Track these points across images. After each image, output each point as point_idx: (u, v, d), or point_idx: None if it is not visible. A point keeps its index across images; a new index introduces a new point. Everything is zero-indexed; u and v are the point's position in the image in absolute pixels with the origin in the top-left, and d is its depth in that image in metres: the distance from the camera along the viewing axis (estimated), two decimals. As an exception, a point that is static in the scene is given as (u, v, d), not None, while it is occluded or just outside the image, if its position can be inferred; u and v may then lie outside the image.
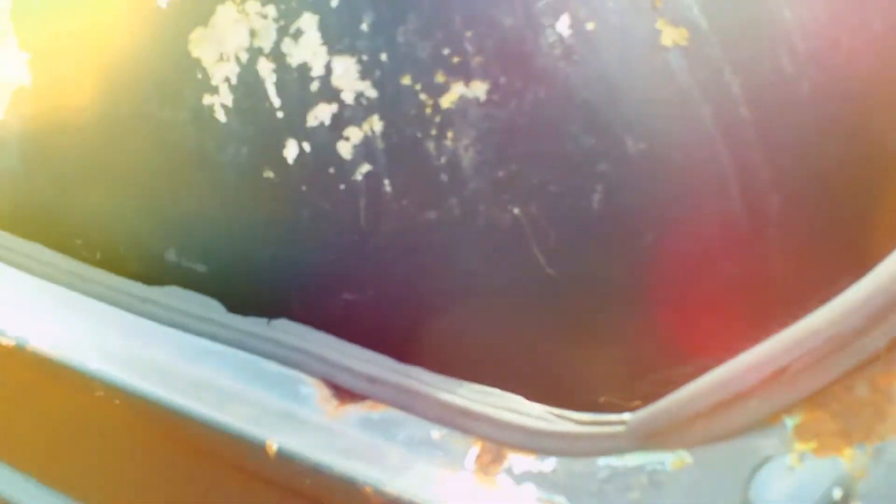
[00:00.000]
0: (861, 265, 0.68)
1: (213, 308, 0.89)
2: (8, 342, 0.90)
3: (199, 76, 0.88)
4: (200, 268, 0.89)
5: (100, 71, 0.93)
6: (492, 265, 0.79)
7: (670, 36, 0.74)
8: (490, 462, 0.70)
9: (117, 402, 0.83)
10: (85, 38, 0.95)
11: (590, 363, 0.76)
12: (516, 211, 0.78)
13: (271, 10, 0.83)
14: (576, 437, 0.70)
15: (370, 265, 0.82)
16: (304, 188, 0.84)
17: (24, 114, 1.00)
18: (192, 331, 0.88)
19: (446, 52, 0.79)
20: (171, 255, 0.91)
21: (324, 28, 0.82)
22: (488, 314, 0.80)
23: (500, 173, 0.78)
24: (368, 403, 0.77)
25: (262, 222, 0.85)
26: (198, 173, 0.88)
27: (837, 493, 0.63)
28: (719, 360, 0.68)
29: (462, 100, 0.79)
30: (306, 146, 0.84)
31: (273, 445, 0.73)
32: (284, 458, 0.73)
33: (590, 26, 0.75)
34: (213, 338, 0.87)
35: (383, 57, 0.81)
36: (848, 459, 0.64)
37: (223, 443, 0.77)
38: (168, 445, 0.84)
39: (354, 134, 0.83)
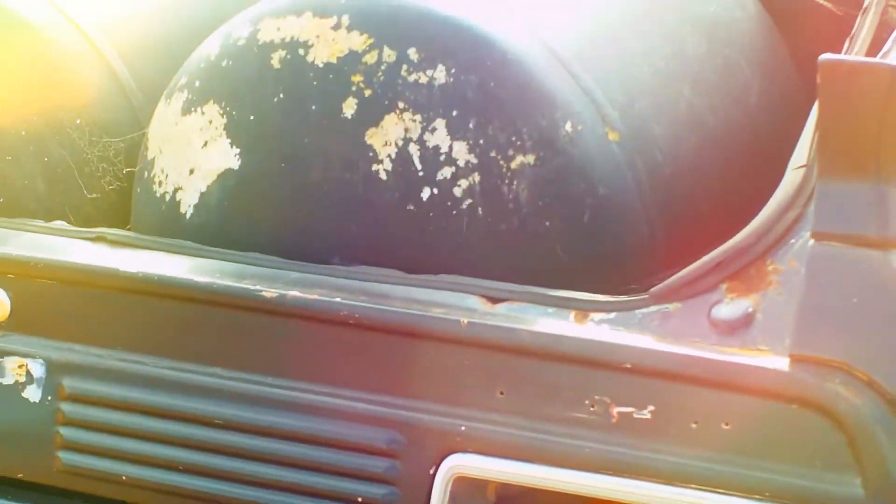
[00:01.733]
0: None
1: None
2: None
3: (370, 154, 1.42)
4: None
5: (294, 155, 1.46)
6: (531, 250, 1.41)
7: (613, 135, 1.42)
8: (581, 318, 1.29)
9: None
10: (284, 139, 1.47)
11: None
12: (547, 223, 1.38)
13: (418, 117, 1.41)
14: (624, 301, 1.30)
15: (464, 252, 1.41)
16: (430, 215, 1.41)
17: (230, 192, 1.49)
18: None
19: (513, 138, 1.40)
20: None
21: (448, 126, 1.40)
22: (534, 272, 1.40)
23: (540, 203, 1.39)
24: (507, 302, 1.33)
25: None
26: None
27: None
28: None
29: (521, 164, 1.39)
30: (435, 190, 1.41)
31: (464, 321, 1.30)
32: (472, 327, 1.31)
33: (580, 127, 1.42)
34: None
35: (481, 141, 1.39)
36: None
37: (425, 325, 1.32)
38: None
39: (463, 183, 1.40)
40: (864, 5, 1.74)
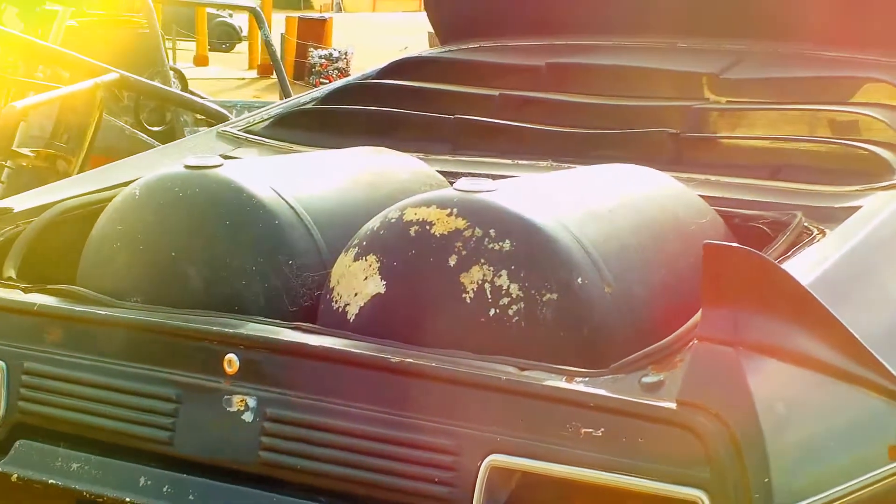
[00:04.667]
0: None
1: None
2: None
3: (461, 288, 2.39)
4: None
5: (418, 287, 2.43)
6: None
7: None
8: (570, 379, 2.26)
9: None
10: (411, 278, 2.44)
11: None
12: (561, 334, 2.28)
13: (492, 268, 2.41)
14: (595, 372, 2.22)
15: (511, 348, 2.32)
16: (493, 324, 2.41)
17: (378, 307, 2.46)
18: None
19: (546, 283, 2.36)
20: None
21: (508, 275, 2.41)
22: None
23: (558, 321, 2.33)
24: (530, 370, 2.31)
25: None
26: None
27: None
28: None
29: (548, 298, 2.36)
30: (497, 311, 2.40)
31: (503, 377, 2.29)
32: None
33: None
34: None
35: (526, 284, 2.36)
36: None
37: None
38: None
39: (514, 307, 2.34)
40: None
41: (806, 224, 2.63)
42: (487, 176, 2.69)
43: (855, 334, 2.22)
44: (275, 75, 9.43)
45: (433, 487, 2.28)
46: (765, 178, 2.89)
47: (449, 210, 2.45)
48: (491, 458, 2.23)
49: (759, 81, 3.18)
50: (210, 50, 23.97)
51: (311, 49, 21.35)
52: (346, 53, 21.36)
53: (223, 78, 20.71)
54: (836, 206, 2.67)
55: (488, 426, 2.25)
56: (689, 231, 2.59)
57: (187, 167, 2.75)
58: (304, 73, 21.07)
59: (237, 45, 28.43)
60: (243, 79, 21.63)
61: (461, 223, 2.43)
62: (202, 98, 7.08)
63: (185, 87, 7.82)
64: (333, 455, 2.34)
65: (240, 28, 28.75)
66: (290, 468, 2.38)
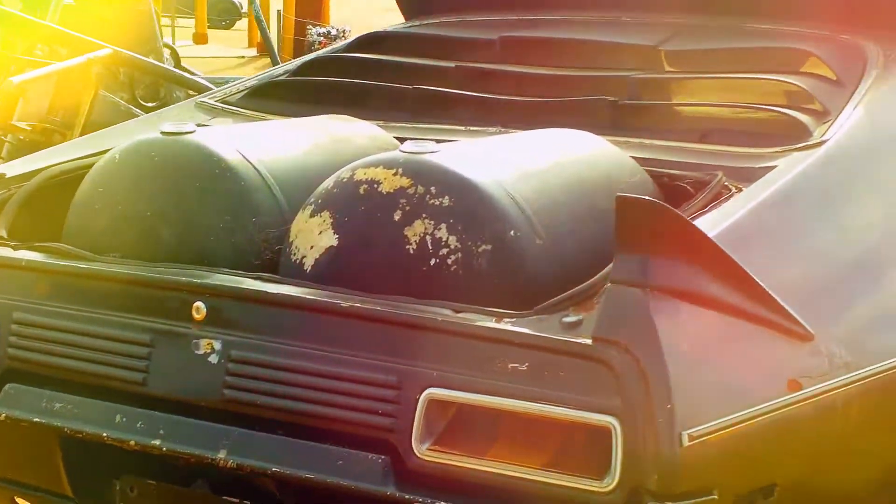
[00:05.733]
0: None
1: None
2: None
3: (405, 240, 2.65)
4: None
5: (367, 237, 2.72)
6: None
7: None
8: (499, 320, 2.52)
9: None
10: (363, 229, 2.72)
11: None
12: (496, 281, 2.56)
13: (433, 222, 2.69)
14: (521, 313, 2.50)
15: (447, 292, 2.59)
16: (433, 273, 2.68)
17: (333, 270, 2.72)
18: None
19: (482, 236, 2.62)
20: None
21: (448, 228, 2.70)
22: None
23: (492, 269, 2.60)
24: (465, 312, 2.60)
25: None
26: None
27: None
28: None
29: (483, 249, 2.61)
30: (437, 261, 2.67)
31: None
32: None
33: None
34: None
35: (464, 237, 2.63)
36: None
37: None
38: None
39: (452, 257, 2.61)
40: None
41: (726, 183, 2.86)
42: (439, 141, 2.93)
43: (756, 279, 2.47)
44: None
45: (378, 419, 2.53)
46: (694, 142, 3.12)
47: (395, 170, 2.70)
48: (428, 392, 2.49)
49: (695, 52, 3.41)
50: (210, 27, 24.14)
51: (310, 27, 21.54)
52: (343, 31, 21.54)
53: (222, 56, 20.93)
54: (755, 166, 2.90)
55: (426, 363, 2.50)
56: (619, 189, 2.82)
57: (163, 133, 3.00)
58: (303, 50, 21.25)
59: (237, 22, 28.60)
60: (242, 57, 21.82)
61: (405, 182, 2.68)
62: (193, 74, 7.32)
63: (177, 64, 8.06)
64: (290, 391, 2.60)
65: (240, 4, 28.90)
66: (251, 404, 2.64)
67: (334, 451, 2.56)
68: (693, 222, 2.53)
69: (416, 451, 2.49)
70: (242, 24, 27.04)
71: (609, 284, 2.39)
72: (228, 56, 21.43)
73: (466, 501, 2.48)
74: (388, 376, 2.53)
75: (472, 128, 3.35)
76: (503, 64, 3.59)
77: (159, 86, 7.33)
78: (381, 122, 3.41)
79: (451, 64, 3.60)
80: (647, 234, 2.36)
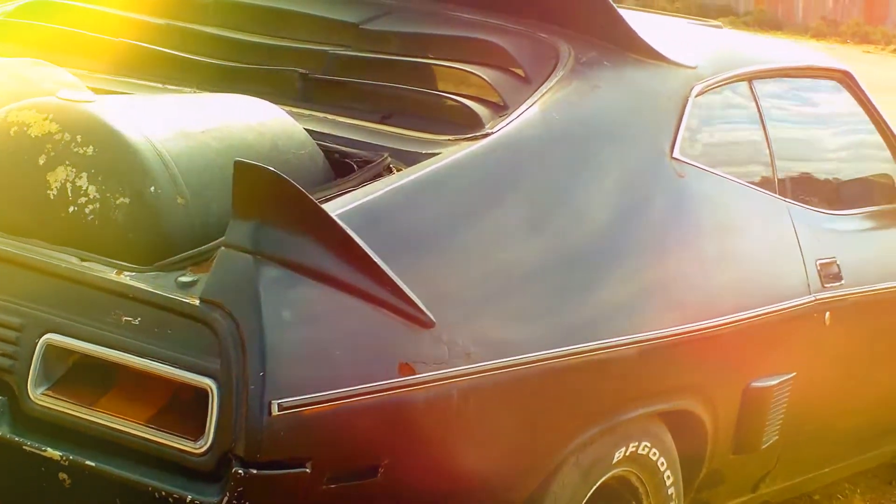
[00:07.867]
0: None
1: None
2: None
3: (47, 185, 2.68)
4: None
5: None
6: None
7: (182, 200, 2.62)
8: (119, 273, 2.55)
9: None
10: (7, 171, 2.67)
11: None
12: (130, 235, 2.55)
13: (75, 170, 2.70)
14: (143, 268, 2.56)
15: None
16: (73, 218, 2.73)
17: None
18: None
19: (121, 188, 2.61)
20: None
21: (88, 177, 2.77)
22: None
23: (128, 221, 2.61)
24: None
25: None
26: None
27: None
28: None
29: (121, 202, 2.64)
30: (76, 208, 2.72)
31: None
32: None
33: None
34: None
35: (103, 187, 2.64)
36: None
37: None
38: None
39: (90, 206, 2.66)
40: None
41: (391, 164, 2.92)
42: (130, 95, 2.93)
43: (378, 259, 2.52)
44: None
45: (1, 359, 2.56)
46: (375, 122, 3.17)
47: (46, 115, 2.70)
48: (47, 337, 2.52)
49: (394, 34, 3.44)
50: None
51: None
52: None
53: None
54: (421, 151, 2.95)
55: (48, 308, 2.53)
56: (284, 160, 2.86)
57: None
58: None
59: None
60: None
61: (54, 127, 2.69)
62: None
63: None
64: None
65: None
66: None
67: None
68: (330, 199, 2.58)
69: (31, 394, 2.52)
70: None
71: (222, 248, 2.42)
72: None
73: (72, 450, 2.50)
74: (10, 317, 2.56)
75: (169, 86, 3.36)
76: (213, 27, 3.60)
77: None
78: (84, 71, 3.39)
79: (162, 21, 3.60)
80: (263, 202, 2.41)
